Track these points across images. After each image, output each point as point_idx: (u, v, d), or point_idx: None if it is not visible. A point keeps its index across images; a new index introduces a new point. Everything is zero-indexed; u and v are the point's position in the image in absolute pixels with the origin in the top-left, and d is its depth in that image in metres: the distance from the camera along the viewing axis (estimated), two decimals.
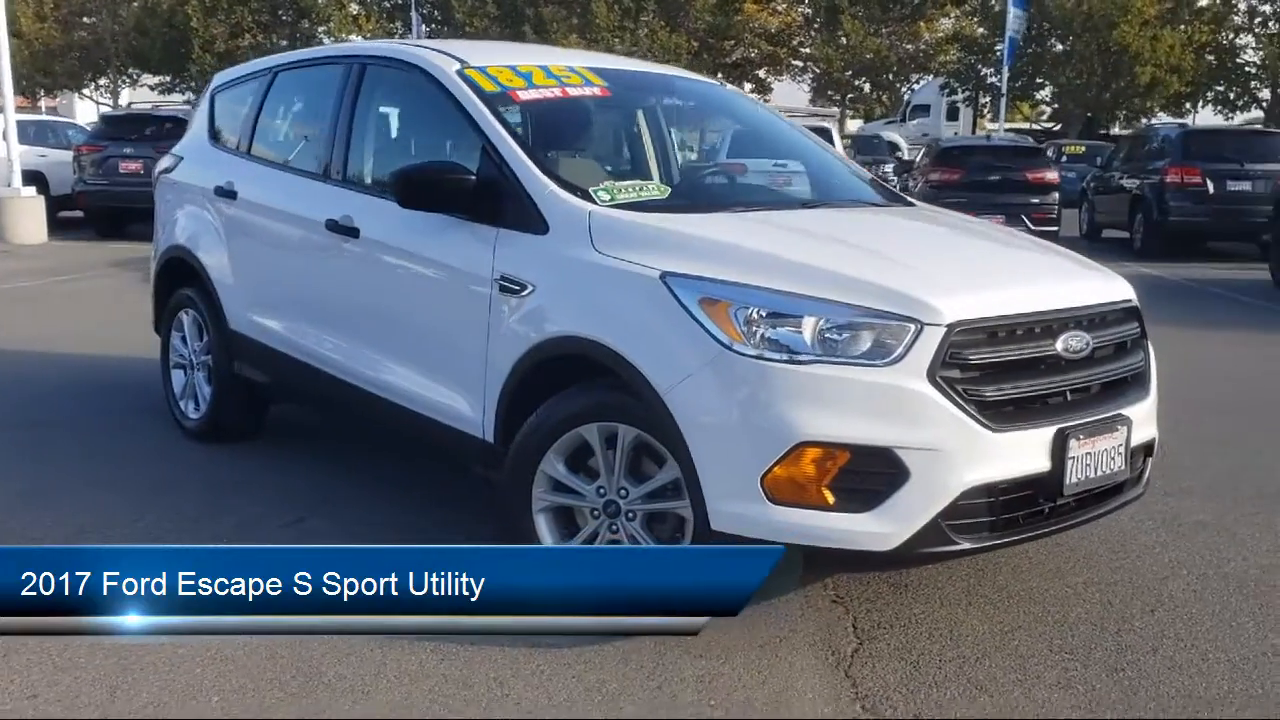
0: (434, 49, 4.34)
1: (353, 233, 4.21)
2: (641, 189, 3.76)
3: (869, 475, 2.97)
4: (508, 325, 3.57)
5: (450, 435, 3.85)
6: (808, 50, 40.73)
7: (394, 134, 4.74)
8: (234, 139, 5.30)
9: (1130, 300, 3.53)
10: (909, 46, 39.44)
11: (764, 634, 3.34)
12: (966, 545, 3.07)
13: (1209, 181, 15.44)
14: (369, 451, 5.11)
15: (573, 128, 4.37)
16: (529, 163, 3.70)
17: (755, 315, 3.04)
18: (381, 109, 4.61)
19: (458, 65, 4.13)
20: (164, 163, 5.75)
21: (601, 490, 3.35)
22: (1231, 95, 36.97)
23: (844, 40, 37.99)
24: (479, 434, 3.73)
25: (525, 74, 4.19)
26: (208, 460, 5.04)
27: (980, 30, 38.75)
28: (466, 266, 3.72)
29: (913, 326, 2.98)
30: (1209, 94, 37.27)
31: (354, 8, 38.83)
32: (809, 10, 40.04)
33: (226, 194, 5.00)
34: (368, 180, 4.45)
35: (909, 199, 4.41)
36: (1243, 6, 37.17)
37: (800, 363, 2.98)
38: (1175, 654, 3.29)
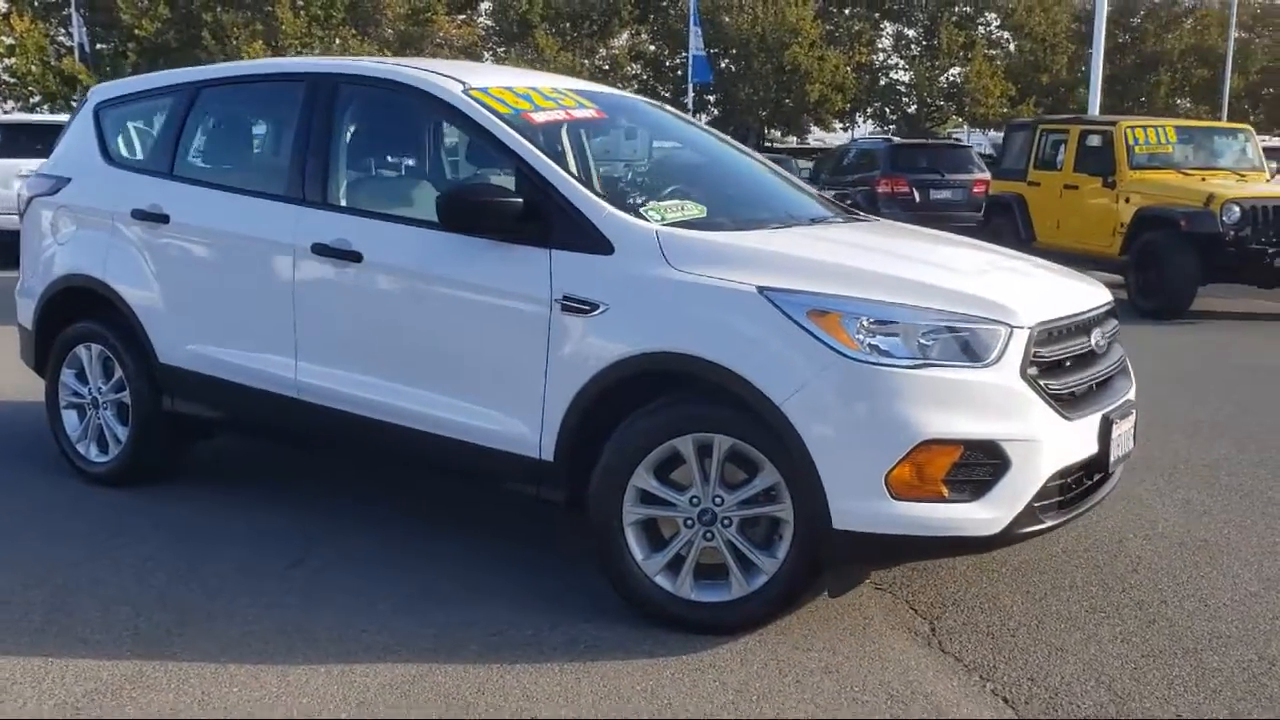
0: (424, 69, 4.26)
1: (352, 256, 4.07)
2: (683, 208, 3.90)
3: (977, 467, 3.28)
4: (575, 344, 3.61)
5: (494, 458, 3.83)
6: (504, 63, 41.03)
7: (392, 157, 4.59)
8: (145, 159, 4.91)
9: (1112, 301, 4.05)
10: (592, 62, 40.60)
11: (842, 624, 3.59)
12: (1049, 524, 3.45)
13: (915, 190, 17.17)
14: (310, 480, 4.91)
15: (580, 150, 4.43)
16: (578, 185, 3.76)
17: (865, 324, 3.29)
18: (367, 130, 4.46)
19: (461, 86, 4.11)
20: (37, 185, 5.22)
21: (695, 500, 3.47)
22: (887, 110, 40.75)
23: (537, 54, 38.59)
24: (534, 454, 3.74)
25: (525, 95, 4.22)
26: (138, 504, 4.66)
27: (652, 47, 40.54)
28: (517, 288, 3.72)
29: (1004, 330, 3.32)
30: (868, 109, 40.93)
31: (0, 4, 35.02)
32: (493, 24, 40.35)
33: (152, 217, 4.64)
34: (366, 203, 4.30)
35: (864, 214, 4.78)
36: (891, 31, 41.11)
37: (912, 367, 3.25)
38: (1181, 600, 3.84)
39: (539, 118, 4.10)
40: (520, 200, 3.72)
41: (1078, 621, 3.67)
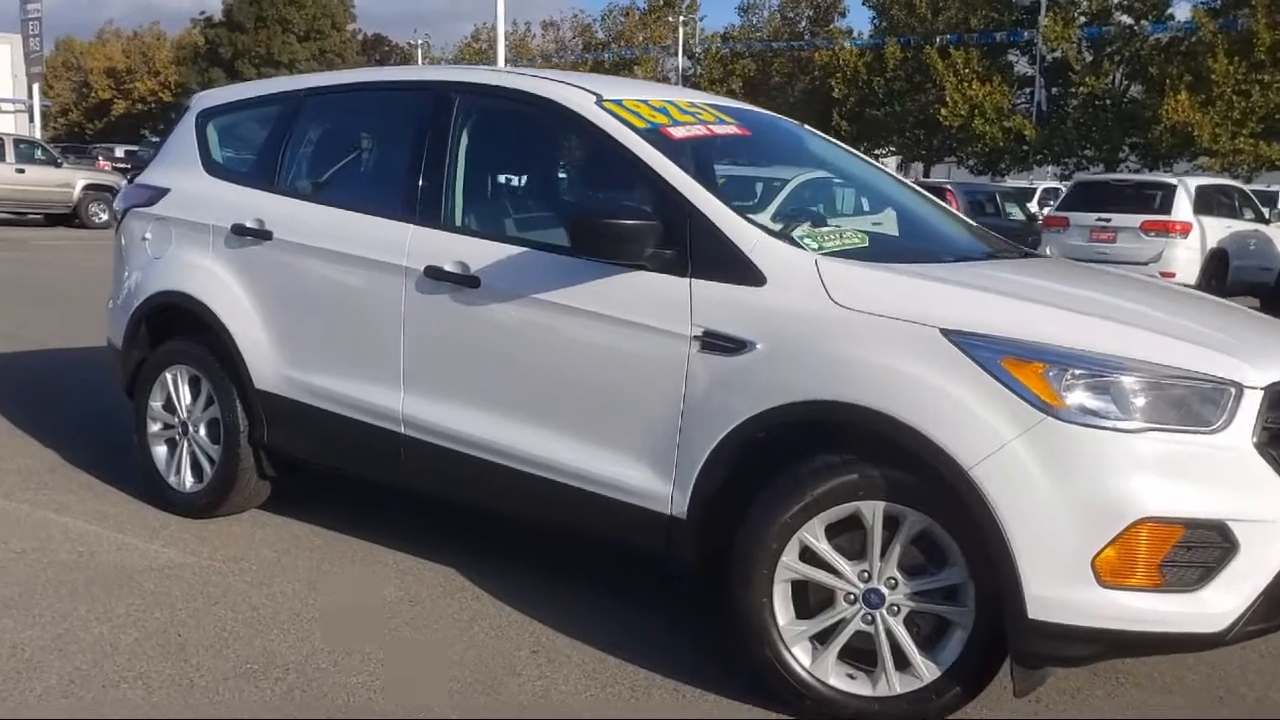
0: (554, 79, 3.88)
1: (469, 281, 3.68)
2: (841, 235, 3.44)
3: (1200, 550, 2.75)
4: (717, 387, 3.17)
5: (617, 510, 3.40)
6: None
7: (515, 174, 4.22)
8: (248, 172, 4.60)
9: None
10: None
11: None
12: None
13: None
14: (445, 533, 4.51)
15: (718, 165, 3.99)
16: (724, 207, 3.33)
17: (1073, 377, 2.78)
18: (489, 145, 4.08)
19: (594, 98, 3.71)
20: (134, 195, 4.95)
21: (865, 575, 3.00)
22: None
23: None
24: (663, 508, 3.30)
25: (661, 109, 3.81)
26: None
27: None
28: (652, 321, 3.29)
29: (1232, 389, 2.80)
30: None
31: None
32: None
33: (254, 233, 4.31)
34: (485, 224, 3.92)
35: (1035, 251, 4.27)
36: None
37: (1127, 430, 2.74)
38: None
39: (678, 133, 3.68)
40: (659, 223, 3.30)
41: None
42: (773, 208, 3.80)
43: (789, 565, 3.04)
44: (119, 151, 35.67)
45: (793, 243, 3.28)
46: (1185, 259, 13.77)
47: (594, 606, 3.83)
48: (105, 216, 22.84)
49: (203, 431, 4.56)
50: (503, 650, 3.51)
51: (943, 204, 4.40)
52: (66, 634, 3.49)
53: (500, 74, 4.05)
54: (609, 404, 3.41)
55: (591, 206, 3.52)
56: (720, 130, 3.90)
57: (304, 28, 52.03)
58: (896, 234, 3.93)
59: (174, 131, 4.98)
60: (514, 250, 3.67)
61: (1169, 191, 14.27)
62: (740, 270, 3.20)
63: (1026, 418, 2.76)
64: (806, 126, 4.58)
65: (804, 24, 47.72)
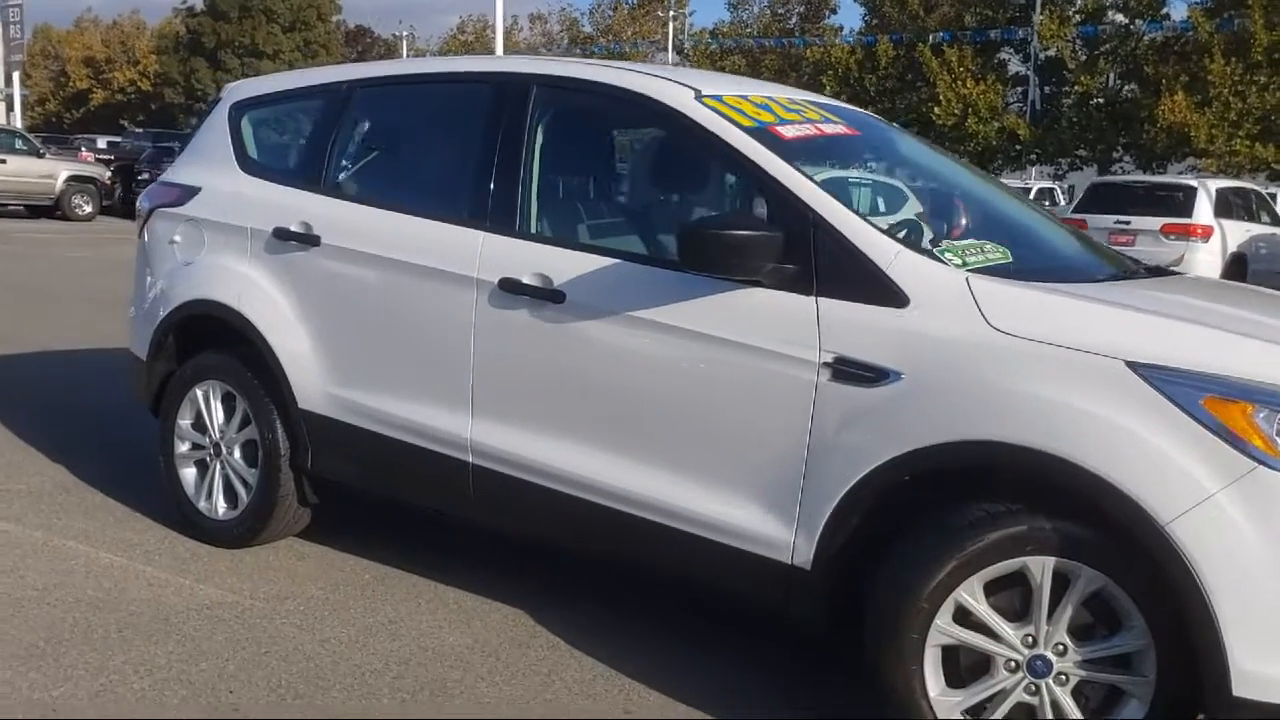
0: (645, 72, 3.50)
1: (551, 296, 3.30)
2: (983, 250, 3.07)
3: None
4: (852, 422, 2.81)
5: (727, 557, 3.03)
6: None
7: (602, 176, 3.83)
8: (291, 170, 4.20)
9: None
10: None
11: None
12: None
13: None
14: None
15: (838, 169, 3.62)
16: (857, 217, 2.96)
17: None
18: (571, 144, 3.69)
19: (692, 93, 3.33)
20: (160, 194, 4.53)
21: (1029, 639, 2.64)
22: None
23: None
24: (783, 557, 2.94)
25: (764, 105, 3.43)
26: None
27: None
28: (773, 345, 2.92)
29: None
30: None
31: None
32: None
33: (299, 238, 3.92)
34: (570, 232, 3.55)
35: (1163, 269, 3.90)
36: None
37: None
38: None
39: (788, 132, 3.30)
40: (781, 235, 2.93)
41: None
42: (900, 217, 3.41)
43: (942, 628, 2.68)
44: (101, 142, 34.90)
45: (934, 258, 2.92)
46: (1206, 263, 13.50)
47: (681, 658, 3.47)
48: (89, 209, 22.34)
49: (237, 454, 4.16)
50: (593, 711, 3.14)
51: (1054, 217, 4.04)
52: (104, 690, 3.10)
53: (583, 66, 3.66)
54: (719, 437, 3.04)
55: (706, 216, 3.14)
56: (829, 129, 3.52)
57: (289, 18, 51.25)
58: (1030, 248, 3.54)
59: (204, 125, 4.56)
60: (603, 262, 3.29)
61: (1189, 194, 14.00)
62: (877, 289, 2.84)
63: (1234, 466, 2.40)
64: (895, 125, 4.22)
65: (794, 20, 47.35)
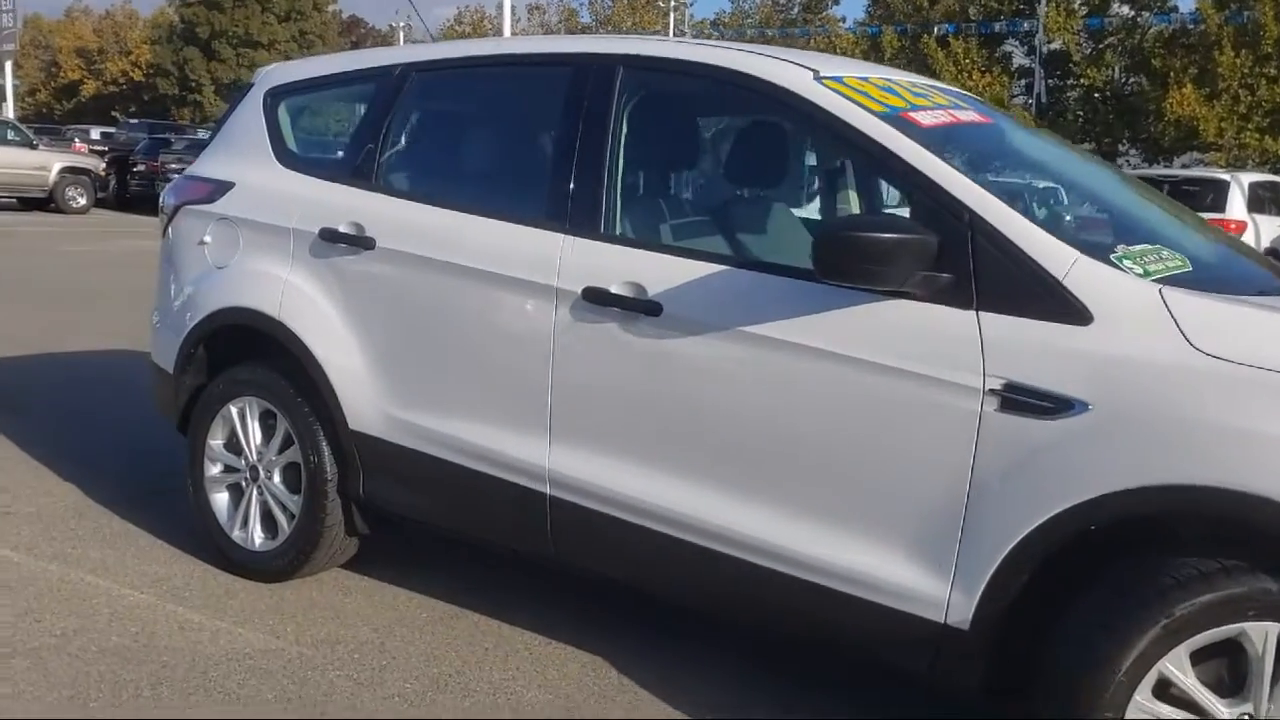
0: (754, 52, 3.08)
1: (646, 308, 2.89)
2: (1161, 256, 2.66)
3: None
4: (1026, 460, 2.40)
5: (862, 612, 2.63)
6: None
7: (704, 171, 3.40)
8: (338, 164, 3.77)
9: None
10: None
11: None
12: None
13: None
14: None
15: (984, 167, 3.18)
16: (1023, 219, 2.54)
17: None
18: (667, 133, 3.27)
19: (810, 73, 2.91)
20: (187, 189, 4.10)
21: (1247, 719, 2.23)
22: None
23: None
24: (935, 615, 2.53)
25: (888, 89, 3.02)
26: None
27: None
28: (925, 369, 2.51)
29: None
30: None
31: None
32: None
33: (350, 240, 3.50)
34: (666, 234, 3.13)
35: None
36: None
37: None
38: None
39: (924, 119, 2.88)
40: (935, 240, 2.52)
41: None
42: (1061, 218, 2.99)
43: (1143, 705, 2.27)
44: (95, 133, 34.32)
45: (1114, 266, 2.50)
46: None
47: (791, 708, 3.06)
48: (83, 201, 21.82)
49: (277, 478, 3.74)
50: None
51: (1197, 217, 3.62)
52: None
53: (678, 45, 3.23)
54: (857, 474, 2.63)
55: (845, 218, 2.74)
56: (963, 116, 3.10)
57: (284, 8, 50.54)
58: (1195, 255, 3.12)
59: (234, 113, 4.12)
60: (707, 268, 2.87)
61: (1222, 188, 13.63)
62: (1053, 302, 2.43)
63: None
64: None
65: (796, 10, 46.91)
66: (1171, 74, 32.50)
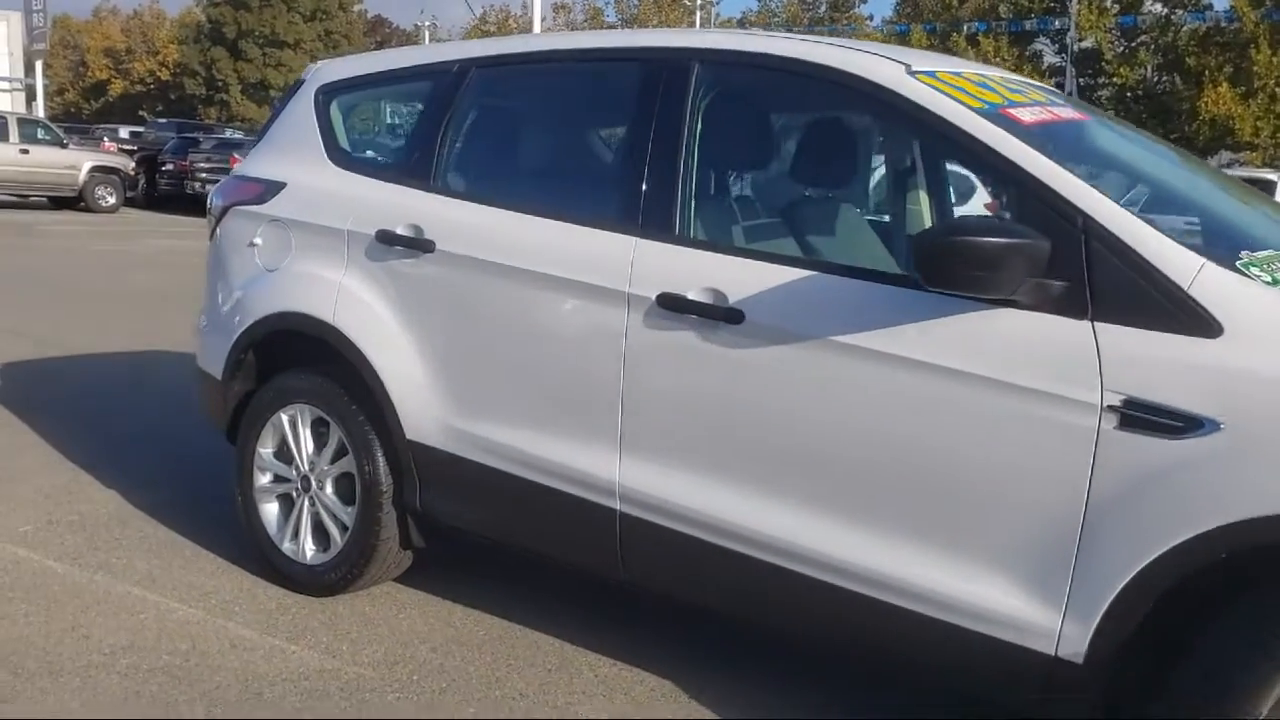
0: (831, 44, 2.92)
1: (727, 315, 2.73)
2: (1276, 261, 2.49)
3: None
4: (1149, 482, 2.23)
5: (961, 642, 2.46)
6: None
7: (788, 171, 3.24)
8: (396, 163, 3.64)
9: None
10: None
11: None
12: None
13: None
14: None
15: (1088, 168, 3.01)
16: (1139, 221, 2.37)
17: None
18: (748, 132, 3.11)
19: (903, 68, 2.75)
20: (237, 190, 3.97)
21: None
22: None
23: None
24: (1045, 647, 2.37)
25: (982, 84, 2.85)
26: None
27: None
28: (1037, 383, 2.35)
29: None
30: None
31: None
32: None
33: (408, 243, 3.36)
34: (748, 238, 2.98)
35: None
36: None
37: None
38: None
39: (1024, 116, 2.72)
40: (1048, 245, 2.35)
41: None
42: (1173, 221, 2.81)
43: None
44: (124, 132, 34.42)
45: (1242, 274, 2.33)
46: None
47: None
48: (113, 200, 21.84)
49: (330, 488, 3.61)
50: None
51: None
52: None
53: (758, 38, 3.06)
54: (961, 495, 2.47)
55: (951, 222, 2.57)
56: (1062, 113, 2.94)
57: (310, 8, 50.67)
58: None
59: (285, 110, 3.99)
60: (793, 273, 2.72)
61: (1269, 188, 13.35)
62: (1178, 313, 2.26)
63: None
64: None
65: (823, 8, 46.63)
66: (1206, 72, 32.12)
